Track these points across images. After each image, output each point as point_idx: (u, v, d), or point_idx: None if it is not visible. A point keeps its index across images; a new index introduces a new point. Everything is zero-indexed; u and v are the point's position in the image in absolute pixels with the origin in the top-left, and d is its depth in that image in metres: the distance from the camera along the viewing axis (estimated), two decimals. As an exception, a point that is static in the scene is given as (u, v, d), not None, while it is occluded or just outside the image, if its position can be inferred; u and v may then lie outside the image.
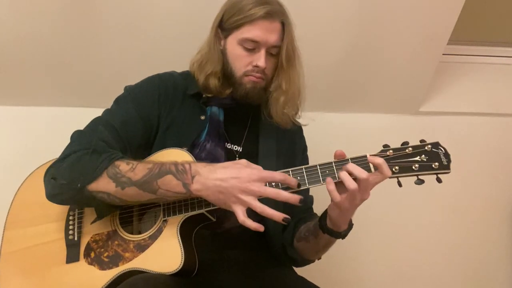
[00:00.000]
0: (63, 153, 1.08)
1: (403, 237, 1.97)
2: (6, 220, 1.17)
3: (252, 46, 1.18)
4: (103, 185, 1.01)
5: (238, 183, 0.97)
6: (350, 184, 0.96)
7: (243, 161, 1.02)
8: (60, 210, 1.14)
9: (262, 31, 1.16)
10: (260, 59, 1.17)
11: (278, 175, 1.00)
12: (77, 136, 1.12)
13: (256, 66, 1.18)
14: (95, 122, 1.16)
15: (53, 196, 1.06)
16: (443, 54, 1.88)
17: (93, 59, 1.70)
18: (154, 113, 1.20)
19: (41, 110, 1.79)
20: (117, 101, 1.22)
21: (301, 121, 1.37)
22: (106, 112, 1.20)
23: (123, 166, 1.02)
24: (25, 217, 1.16)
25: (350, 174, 0.97)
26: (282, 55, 1.19)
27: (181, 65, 1.32)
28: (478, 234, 2.01)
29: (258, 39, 1.16)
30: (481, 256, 2.01)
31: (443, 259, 1.98)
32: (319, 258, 1.24)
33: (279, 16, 1.18)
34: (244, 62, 1.19)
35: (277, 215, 0.97)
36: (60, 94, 1.78)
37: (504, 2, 2.11)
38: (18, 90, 1.76)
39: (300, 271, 1.27)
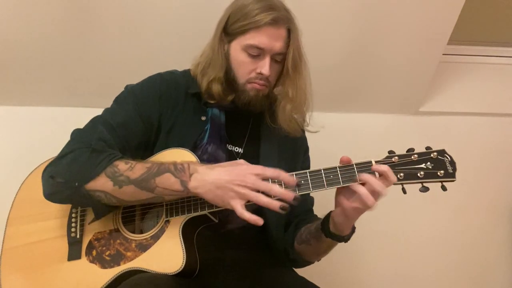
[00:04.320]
0: (61, 151, 1.08)
1: (402, 237, 1.97)
2: (8, 216, 1.17)
3: (256, 53, 1.15)
4: (101, 184, 1.02)
5: (234, 177, 0.97)
6: (369, 201, 0.96)
7: (241, 161, 1.03)
8: (62, 208, 1.15)
9: (268, 38, 1.13)
10: (265, 66, 1.15)
11: (270, 171, 0.99)
12: (76, 134, 1.12)
13: (260, 74, 1.16)
14: (95, 121, 1.16)
15: (51, 194, 1.07)
16: (443, 54, 1.88)
17: (93, 59, 1.70)
18: (155, 113, 1.18)
19: (41, 110, 1.79)
20: (117, 100, 1.21)
21: (310, 128, 1.34)
22: (106, 111, 1.19)
23: (122, 165, 1.03)
24: (27, 213, 1.16)
25: (366, 183, 0.97)
26: (288, 62, 1.17)
27: (181, 65, 1.31)
28: (477, 234, 2.01)
29: (263, 46, 1.14)
30: (481, 256, 2.01)
31: (443, 259, 1.98)
32: (319, 260, 1.24)
33: (285, 23, 1.15)
34: (248, 69, 1.17)
35: (274, 203, 0.95)
36: (60, 94, 1.78)
37: (504, 2, 2.11)
38: (18, 90, 1.76)
39: (300, 271, 1.27)
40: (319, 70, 1.76)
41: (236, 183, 0.97)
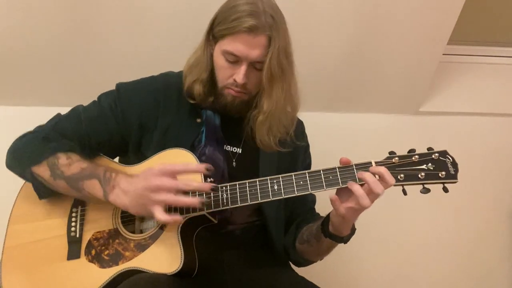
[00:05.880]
0: (32, 129, 1.19)
1: (402, 238, 1.97)
2: (10, 214, 1.18)
3: (233, 60, 1.11)
4: (42, 171, 1.09)
5: (147, 184, 0.98)
6: (365, 202, 0.96)
7: (156, 166, 1.01)
8: (63, 207, 1.15)
9: (244, 46, 1.08)
10: (239, 75, 1.11)
11: (178, 166, 1.00)
12: (50, 119, 1.21)
13: (235, 81, 1.13)
14: (72, 109, 1.23)
15: (9, 167, 1.17)
16: (443, 54, 1.88)
17: (93, 59, 1.70)
18: (134, 115, 1.19)
19: (41, 110, 1.78)
20: (101, 96, 1.24)
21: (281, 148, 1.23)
22: (89, 103, 1.23)
23: (63, 159, 1.09)
24: (28, 212, 1.17)
25: (365, 181, 0.97)
26: (263, 73, 1.10)
27: (181, 65, 1.31)
28: (477, 234, 2.01)
29: (238, 53, 1.09)
30: (482, 256, 2.01)
31: (443, 259, 1.98)
32: (321, 259, 1.24)
33: (265, 31, 1.07)
34: (226, 74, 1.14)
35: (194, 201, 0.98)
36: (60, 94, 1.78)
37: (504, 2, 2.11)
38: (18, 90, 1.76)
39: (300, 271, 1.27)
40: (319, 70, 1.77)
41: (151, 189, 0.97)
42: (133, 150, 1.20)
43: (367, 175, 0.97)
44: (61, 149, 1.10)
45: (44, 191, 1.13)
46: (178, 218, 0.98)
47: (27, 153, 1.12)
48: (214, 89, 1.19)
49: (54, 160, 1.08)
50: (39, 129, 1.19)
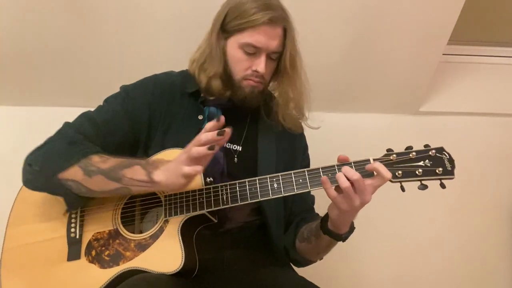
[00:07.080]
0: (44, 141, 1.12)
1: (402, 237, 1.97)
2: (9, 217, 1.17)
3: (252, 51, 1.17)
4: (73, 173, 1.05)
5: (178, 158, 0.99)
6: (343, 182, 0.96)
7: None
8: (62, 208, 1.14)
9: (264, 37, 1.15)
10: (260, 64, 1.17)
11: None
12: (62, 126, 1.17)
13: (256, 71, 1.18)
14: (82, 115, 1.20)
15: (27, 181, 1.11)
16: (443, 54, 1.88)
17: (93, 59, 1.71)
18: (144, 114, 1.20)
19: (41, 110, 1.80)
20: (108, 99, 1.24)
21: (310, 123, 1.35)
22: (97, 108, 1.23)
23: (96, 158, 1.07)
24: (28, 214, 1.16)
25: (345, 176, 0.97)
26: (286, 61, 1.20)
27: (180, 65, 1.32)
28: (477, 234, 2.01)
29: (260, 45, 1.16)
30: (481, 256, 2.01)
31: (443, 259, 1.98)
32: (321, 259, 1.24)
33: (282, 22, 1.17)
34: (244, 66, 1.19)
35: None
36: (60, 94, 1.78)
37: (504, 2, 2.11)
38: (18, 90, 1.76)
39: (300, 271, 1.27)
40: (319, 70, 1.77)
41: (181, 157, 0.98)
42: (142, 150, 1.21)
43: (344, 168, 0.98)
44: (91, 151, 1.09)
45: (74, 200, 1.09)
46: (199, 168, 0.96)
47: (51, 161, 1.07)
48: (229, 82, 1.21)
49: (87, 161, 1.06)
50: (56, 137, 1.14)
